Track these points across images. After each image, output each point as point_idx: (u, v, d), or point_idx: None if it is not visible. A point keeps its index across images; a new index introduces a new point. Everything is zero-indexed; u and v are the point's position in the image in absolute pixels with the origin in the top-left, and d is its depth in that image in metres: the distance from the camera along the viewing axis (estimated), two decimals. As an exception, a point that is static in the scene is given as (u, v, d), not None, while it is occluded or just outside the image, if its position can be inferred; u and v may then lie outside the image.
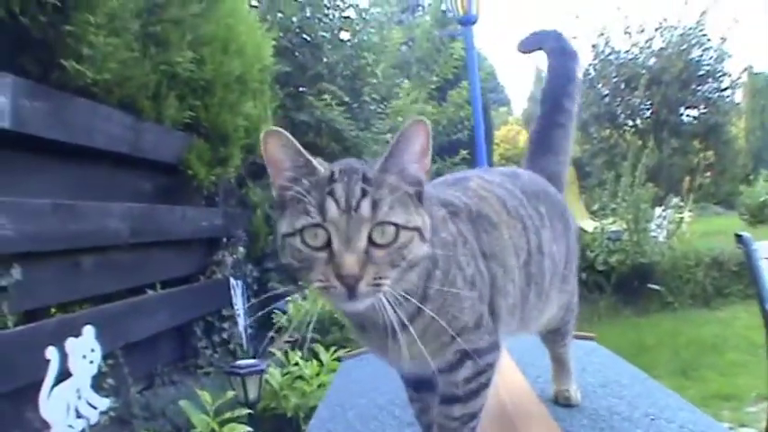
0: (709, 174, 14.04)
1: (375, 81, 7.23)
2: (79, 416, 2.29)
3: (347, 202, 0.94)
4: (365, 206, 0.94)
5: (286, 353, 3.73)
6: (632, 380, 1.72)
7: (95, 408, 2.38)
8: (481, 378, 1.16)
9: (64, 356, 2.23)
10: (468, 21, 7.01)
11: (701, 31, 13.77)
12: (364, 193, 0.95)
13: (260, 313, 4.63)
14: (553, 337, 1.51)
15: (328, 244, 0.94)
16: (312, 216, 0.95)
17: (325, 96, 6.33)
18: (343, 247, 0.93)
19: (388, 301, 0.96)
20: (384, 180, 0.98)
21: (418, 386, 1.27)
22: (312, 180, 0.98)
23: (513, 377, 1.68)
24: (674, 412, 1.43)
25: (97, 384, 2.53)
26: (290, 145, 1.00)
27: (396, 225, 0.95)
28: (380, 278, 0.94)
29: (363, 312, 1.00)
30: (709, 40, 13.89)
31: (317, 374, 3.38)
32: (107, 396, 2.64)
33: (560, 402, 1.53)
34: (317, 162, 1.00)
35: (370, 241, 0.94)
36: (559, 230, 1.38)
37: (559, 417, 1.42)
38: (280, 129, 1.00)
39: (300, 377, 3.41)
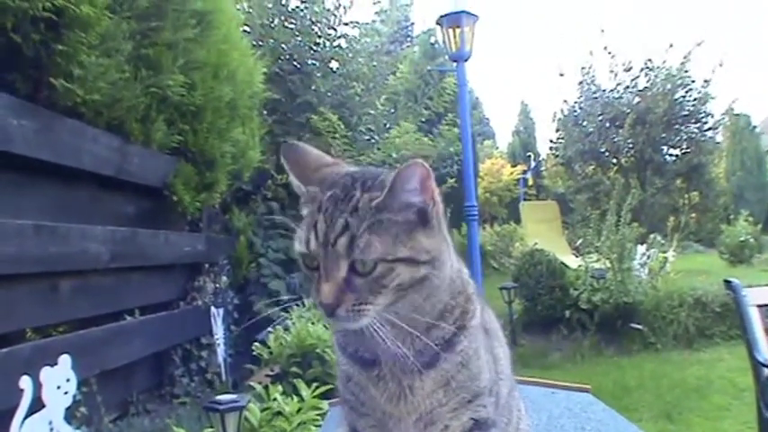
0: (693, 215, 14.15)
1: (372, 111, 7.21)
2: (50, 449, 2.19)
3: (325, 237, 0.98)
4: (341, 243, 0.97)
5: (266, 387, 3.64)
6: (634, 442, 1.66)
7: (67, 441, 2.27)
8: None
9: (38, 386, 2.13)
10: (460, 57, 7.02)
11: (685, 72, 13.92)
12: (345, 228, 0.98)
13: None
14: None
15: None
16: (300, 245, 1.02)
17: (328, 119, 6.31)
18: (324, 275, 0.99)
19: (382, 324, 1.00)
20: (374, 213, 0.99)
21: None
22: (310, 201, 1.05)
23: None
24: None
25: (70, 413, 2.43)
26: (300, 162, 1.08)
27: (373, 260, 0.97)
28: (362, 304, 0.98)
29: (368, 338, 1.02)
30: (693, 81, 14.04)
31: (298, 411, 3.29)
32: (79, 427, 2.55)
33: None
34: (314, 188, 1.05)
35: (353, 269, 0.98)
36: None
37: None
38: (294, 144, 1.09)
39: (280, 413, 3.32)
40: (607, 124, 14.44)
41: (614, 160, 14.83)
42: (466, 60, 7.05)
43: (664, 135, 14.14)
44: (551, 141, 16.08)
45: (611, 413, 1.89)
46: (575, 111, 15.03)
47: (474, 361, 1.08)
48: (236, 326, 5.17)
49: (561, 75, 14.95)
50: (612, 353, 7.05)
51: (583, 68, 14.58)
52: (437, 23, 7.24)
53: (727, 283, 3.25)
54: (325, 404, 3.21)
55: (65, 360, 2.27)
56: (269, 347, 4.43)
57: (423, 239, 1.00)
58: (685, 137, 14.49)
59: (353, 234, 0.97)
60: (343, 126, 6.45)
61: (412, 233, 1.00)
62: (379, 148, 6.88)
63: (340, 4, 6.90)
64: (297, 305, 4.91)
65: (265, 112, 6.16)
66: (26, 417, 2.07)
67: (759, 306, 3.09)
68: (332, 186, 1.03)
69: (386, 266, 0.97)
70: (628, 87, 14.31)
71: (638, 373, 6.18)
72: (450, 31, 6.99)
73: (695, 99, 14.11)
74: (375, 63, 7.40)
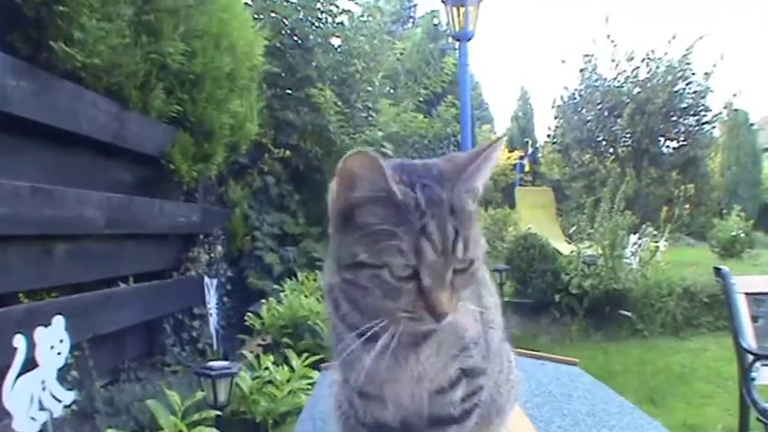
0: (687, 206, 14.18)
1: (369, 89, 7.20)
2: (42, 408, 2.21)
3: (444, 245, 0.90)
4: (459, 248, 0.91)
5: (258, 356, 3.67)
6: (620, 409, 1.69)
7: (59, 401, 2.29)
8: (474, 398, 1.13)
9: (31, 346, 2.15)
10: (463, 37, 6.98)
11: (686, 64, 13.90)
12: (456, 233, 0.91)
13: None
14: None
15: (415, 275, 0.91)
16: (407, 258, 0.90)
17: (323, 95, 6.28)
18: (437, 284, 0.91)
19: None
20: (464, 208, 0.94)
21: None
22: (395, 209, 0.92)
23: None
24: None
25: (61, 376, 2.45)
26: (376, 167, 0.91)
27: (474, 256, 0.94)
28: (460, 301, 0.96)
29: None
30: (693, 74, 14.03)
31: (288, 380, 3.32)
32: (71, 389, 2.57)
33: None
34: (395, 185, 0.92)
35: (454, 270, 0.93)
36: None
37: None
38: (368, 152, 0.91)
39: (270, 382, 3.35)
40: (606, 113, 14.44)
41: (611, 149, 14.85)
42: (469, 40, 7.02)
43: (662, 126, 14.14)
44: (549, 128, 16.09)
45: (598, 384, 1.92)
46: (574, 98, 15.02)
47: (460, 321, 1.07)
48: (229, 297, 5.19)
49: (563, 62, 14.93)
50: (600, 338, 7.11)
51: (585, 56, 14.56)
52: (442, 1, 7.20)
53: (717, 270, 3.29)
54: (315, 373, 3.25)
55: (58, 321, 2.28)
56: (261, 318, 4.45)
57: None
58: (683, 129, 14.51)
59: (465, 237, 0.91)
60: (340, 102, 6.44)
61: (476, 220, 0.97)
62: (373, 125, 6.88)
63: (343, -20, 6.87)
64: (290, 278, 4.94)
65: (264, 86, 6.14)
66: (19, 375, 2.09)
67: (746, 294, 3.13)
68: (411, 184, 0.93)
69: (479, 260, 0.96)
70: (629, 77, 14.28)
71: (625, 358, 6.24)
72: (455, 9, 6.94)
73: (695, 92, 14.11)
74: (377, 41, 7.36)
